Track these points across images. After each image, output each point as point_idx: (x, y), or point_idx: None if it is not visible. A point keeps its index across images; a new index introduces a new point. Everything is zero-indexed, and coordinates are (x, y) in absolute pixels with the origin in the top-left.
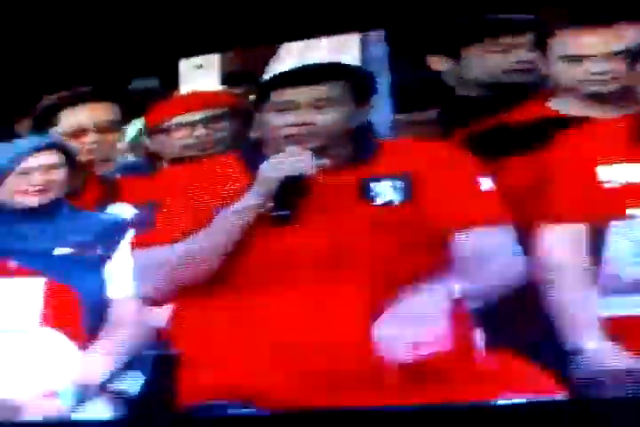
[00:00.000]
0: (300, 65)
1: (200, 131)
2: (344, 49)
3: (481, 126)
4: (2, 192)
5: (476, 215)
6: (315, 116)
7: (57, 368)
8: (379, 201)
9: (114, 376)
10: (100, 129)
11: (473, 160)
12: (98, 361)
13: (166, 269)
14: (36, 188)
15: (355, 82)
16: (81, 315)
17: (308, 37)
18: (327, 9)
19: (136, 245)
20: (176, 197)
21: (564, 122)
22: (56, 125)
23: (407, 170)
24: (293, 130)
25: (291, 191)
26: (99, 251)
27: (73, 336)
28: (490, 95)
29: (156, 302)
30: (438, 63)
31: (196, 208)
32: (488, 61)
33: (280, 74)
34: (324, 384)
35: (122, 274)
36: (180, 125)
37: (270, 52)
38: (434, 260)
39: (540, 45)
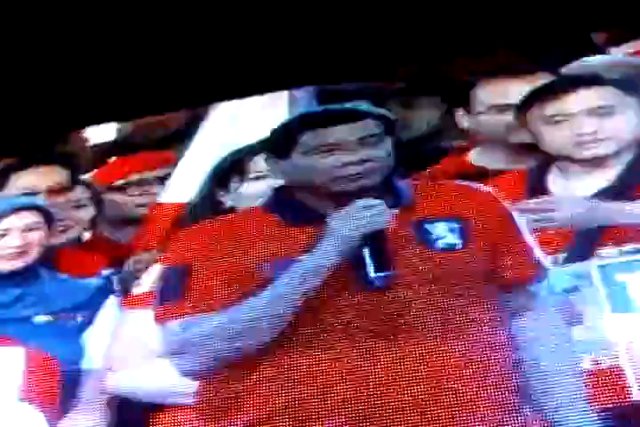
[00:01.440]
0: (321, 108)
1: (155, 189)
2: (273, 107)
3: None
4: None
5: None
6: (367, 152)
7: None
8: (440, 244)
9: None
10: (51, 192)
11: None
12: None
13: (217, 341)
14: (16, 250)
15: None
16: (59, 386)
17: (238, 97)
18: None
19: (169, 316)
20: (209, 259)
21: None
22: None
23: (457, 213)
24: (352, 169)
25: (375, 247)
26: (79, 318)
27: (49, 410)
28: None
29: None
30: None
31: (237, 268)
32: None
33: (308, 116)
34: None
35: (100, 344)
36: (137, 183)
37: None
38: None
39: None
